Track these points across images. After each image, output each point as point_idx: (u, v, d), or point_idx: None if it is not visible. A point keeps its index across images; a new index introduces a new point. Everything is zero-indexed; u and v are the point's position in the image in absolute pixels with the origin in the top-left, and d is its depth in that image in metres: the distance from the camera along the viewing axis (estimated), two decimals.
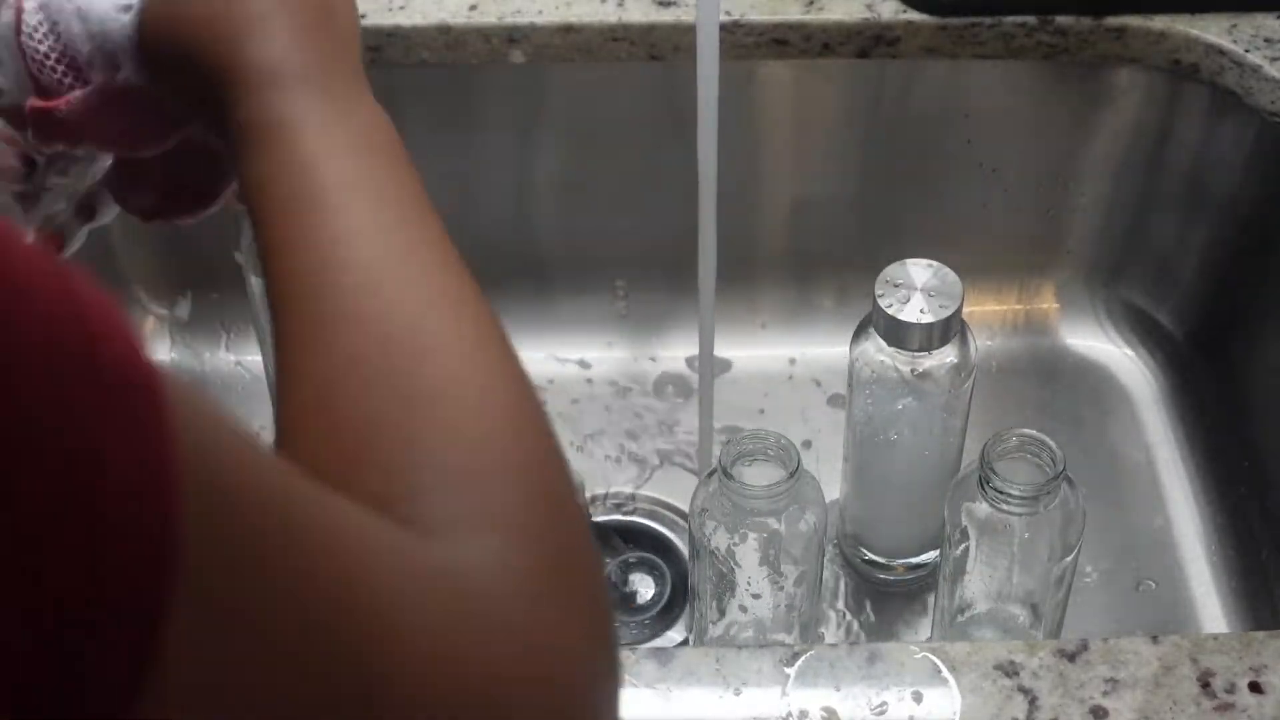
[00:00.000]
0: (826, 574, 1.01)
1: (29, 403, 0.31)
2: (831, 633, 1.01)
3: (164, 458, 0.33)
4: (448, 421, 0.49)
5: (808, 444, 1.08)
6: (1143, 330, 1.17)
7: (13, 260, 0.32)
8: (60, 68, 0.64)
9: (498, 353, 0.52)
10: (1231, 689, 0.73)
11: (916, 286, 0.90)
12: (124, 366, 0.33)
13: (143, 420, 0.33)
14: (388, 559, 0.41)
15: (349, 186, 0.55)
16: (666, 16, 1.05)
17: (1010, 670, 0.74)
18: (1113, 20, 1.05)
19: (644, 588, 1.03)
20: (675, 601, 1.02)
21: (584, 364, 1.16)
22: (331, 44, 0.60)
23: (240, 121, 0.58)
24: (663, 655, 0.75)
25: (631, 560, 1.04)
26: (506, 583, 0.44)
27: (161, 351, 1.15)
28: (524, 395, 0.51)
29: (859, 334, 0.93)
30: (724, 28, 0.93)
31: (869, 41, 1.05)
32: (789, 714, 0.73)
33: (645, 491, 1.09)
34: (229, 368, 1.15)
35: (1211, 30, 1.04)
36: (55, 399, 0.31)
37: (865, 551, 1.03)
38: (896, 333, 0.90)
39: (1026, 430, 0.85)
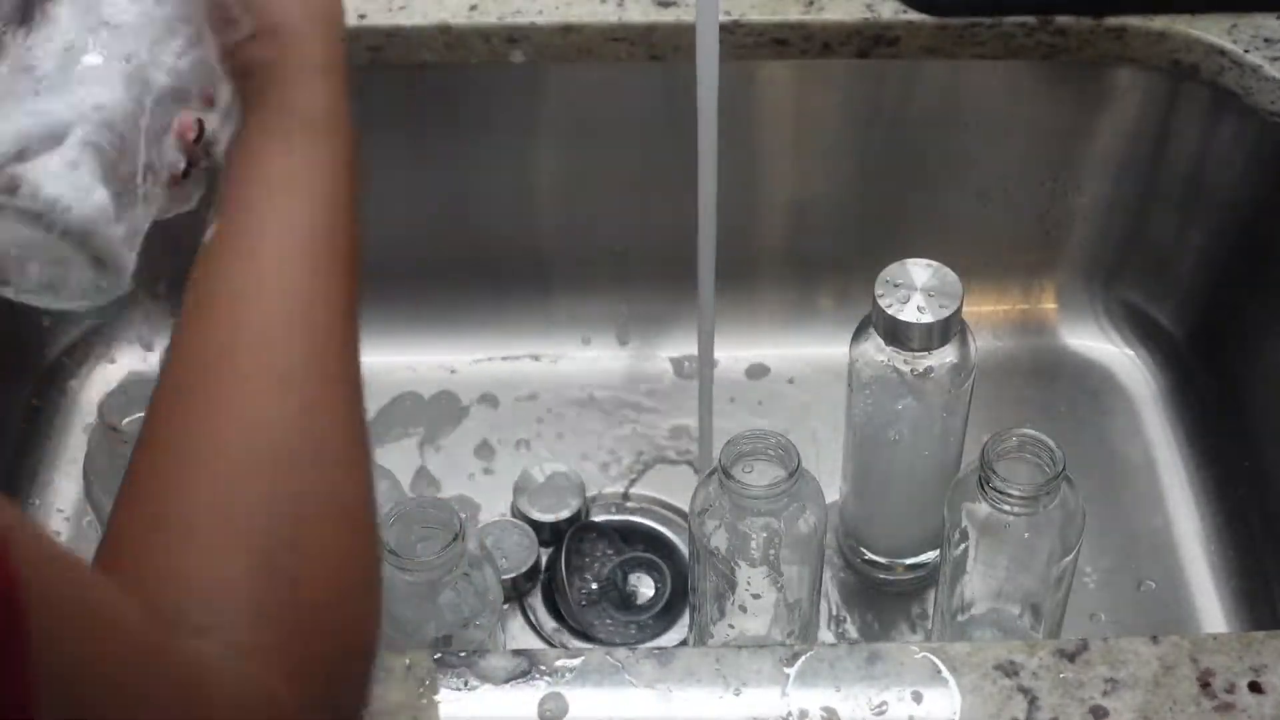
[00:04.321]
0: (826, 574, 1.01)
1: None
2: (831, 633, 1.01)
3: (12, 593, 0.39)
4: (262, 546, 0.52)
5: (807, 444, 1.08)
6: (1142, 330, 1.17)
7: None
8: None
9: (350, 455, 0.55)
10: (1231, 689, 0.73)
11: (916, 286, 0.90)
12: None
13: None
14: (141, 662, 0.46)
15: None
16: (666, 16, 1.05)
17: (1010, 670, 0.74)
18: (1113, 20, 1.05)
19: (644, 588, 1.03)
20: (675, 601, 1.02)
21: (584, 363, 1.17)
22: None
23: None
24: (663, 655, 0.75)
25: (631, 560, 1.04)
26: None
27: (161, 350, 1.15)
28: (348, 499, 0.55)
29: (859, 334, 0.93)
30: (724, 28, 0.93)
31: (869, 42, 1.05)
32: (789, 714, 0.73)
33: (645, 491, 1.09)
34: None
35: (1211, 30, 1.04)
36: None
37: (865, 551, 1.03)
38: (896, 333, 0.90)
39: (1026, 430, 0.85)
